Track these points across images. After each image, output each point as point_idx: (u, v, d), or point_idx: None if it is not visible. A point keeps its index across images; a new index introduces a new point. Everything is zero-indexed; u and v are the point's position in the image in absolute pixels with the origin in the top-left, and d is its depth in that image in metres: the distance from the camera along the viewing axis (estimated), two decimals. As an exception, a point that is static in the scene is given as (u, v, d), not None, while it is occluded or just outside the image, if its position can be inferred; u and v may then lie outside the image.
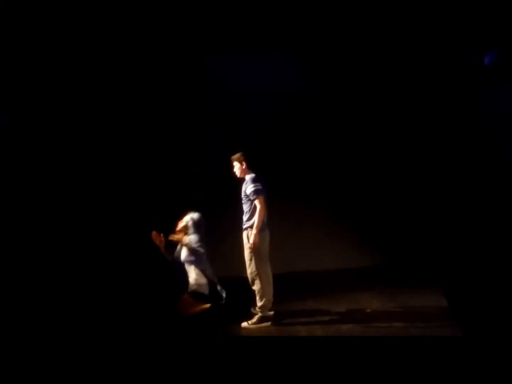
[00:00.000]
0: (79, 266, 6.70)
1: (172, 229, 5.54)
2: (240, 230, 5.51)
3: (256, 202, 5.33)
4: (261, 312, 5.39)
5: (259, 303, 5.40)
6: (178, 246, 5.55)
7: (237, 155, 5.54)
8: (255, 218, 5.32)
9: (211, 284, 5.40)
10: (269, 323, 5.38)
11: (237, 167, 5.53)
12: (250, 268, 5.43)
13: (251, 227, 5.34)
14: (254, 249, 5.32)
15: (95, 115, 7.17)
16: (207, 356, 4.52)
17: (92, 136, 7.16)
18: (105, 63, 7.01)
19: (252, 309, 5.56)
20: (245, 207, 5.44)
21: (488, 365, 4.06)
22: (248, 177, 5.46)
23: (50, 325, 5.29)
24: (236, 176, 5.57)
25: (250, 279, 5.46)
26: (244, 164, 5.50)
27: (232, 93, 7.30)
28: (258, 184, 5.38)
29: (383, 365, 4.23)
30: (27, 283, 6.39)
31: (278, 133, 7.37)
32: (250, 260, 5.40)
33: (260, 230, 5.32)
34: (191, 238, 5.48)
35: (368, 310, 5.73)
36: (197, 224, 5.53)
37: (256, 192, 5.33)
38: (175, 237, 5.51)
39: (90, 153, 7.16)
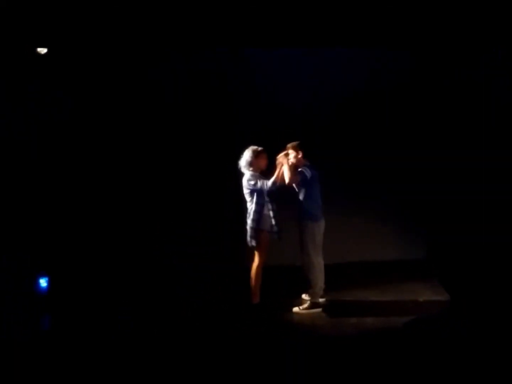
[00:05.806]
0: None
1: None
2: (295, 220, 5.62)
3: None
4: (312, 298, 5.57)
5: (311, 290, 5.58)
6: None
7: (294, 143, 5.60)
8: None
9: None
10: (320, 310, 5.55)
11: (292, 155, 5.60)
12: (304, 256, 5.59)
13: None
14: (309, 238, 5.48)
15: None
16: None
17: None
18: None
19: (304, 296, 5.75)
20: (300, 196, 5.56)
21: None
22: (303, 167, 5.57)
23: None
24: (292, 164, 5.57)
25: (303, 267, 5.63)
26: (301, 153, 5.60)
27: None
28: (312, 174, 5.50)
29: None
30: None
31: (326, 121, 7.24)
32: (305, 248, 5.56)
33: (316, 220, 5.49)
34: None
35: (421, 300, 5.79)
36: None
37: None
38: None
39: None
